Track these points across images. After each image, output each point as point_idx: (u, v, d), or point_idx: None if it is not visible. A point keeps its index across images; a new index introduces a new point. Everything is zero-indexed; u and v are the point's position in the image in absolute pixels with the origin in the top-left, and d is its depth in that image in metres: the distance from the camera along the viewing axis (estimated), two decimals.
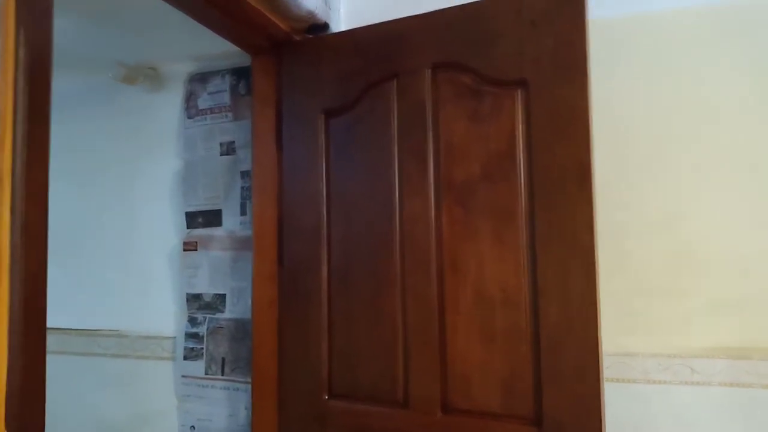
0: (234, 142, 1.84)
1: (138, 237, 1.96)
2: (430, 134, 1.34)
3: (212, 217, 1.84)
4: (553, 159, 1.20)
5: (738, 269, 1.35)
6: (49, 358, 2.14)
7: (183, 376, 1.84)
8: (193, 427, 1.82)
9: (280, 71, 1.57)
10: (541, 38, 1.23)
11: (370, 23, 1.45)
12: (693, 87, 1.40)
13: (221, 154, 1.85)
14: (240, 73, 1.84)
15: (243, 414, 1.75)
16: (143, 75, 1.94)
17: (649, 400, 1.39)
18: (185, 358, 1.83)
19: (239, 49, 1.61)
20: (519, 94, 1.26)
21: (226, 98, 1.86)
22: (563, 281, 1.17)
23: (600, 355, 1.14)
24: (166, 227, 1.91)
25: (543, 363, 1.18)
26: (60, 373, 1.98)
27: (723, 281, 1.36)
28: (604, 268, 1.41)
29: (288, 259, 1.50)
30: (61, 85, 2.09)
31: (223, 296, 1.81)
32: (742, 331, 1.34)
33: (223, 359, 1.78)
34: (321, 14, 1.51)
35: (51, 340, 2.04)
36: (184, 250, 1.87)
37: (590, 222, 1.16)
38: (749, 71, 1.37)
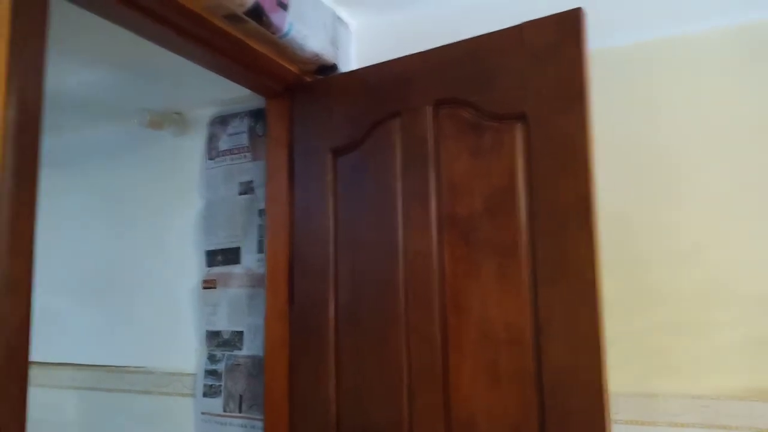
0: (252, 181, 1.88)
1: (163, 275, 2.02)
2: (432, 170, 1.34)
3: (231, 255, 1.88)
4: (555, 193, 1.18)
5: None
6: (79, 393, 2.20)
7: (202, 413, 1.86)
8: None
9: (292, 112, 1.61)
10: (542, 73, 1.22)
11: (380, 61, 1.46)
12: (718, 112, 1.34)
13: (240, 194, 1.90)
14: (257, 115, 1.90)
15: None
16: (169, 120, 2.03)
17: None
18: (204, 395, 1.86)
19: None
20: (519, 128, 1.24)
21: (244, 139, 1.91)
22: (567, 319, 1.13)
23: (606, 396, 1.09)
24: (188, 265, 1.96)
25: (547, 404, 1.14)
26: (89, 408, 2.04)
27: (754, 316, 1.27)
28: (625, 304, 1.35)
29: (298, 298, 1.51)
30: (91, 132, 2.21)
31: (241, 333, 1.83)
32: None
33: (241, 396, 1.79)
34: (328, 55, 1.54)
35: (83, 376, 2.12)
36: (204, 287, 1.91)
37: (593, 257, 1.12)
38: None
